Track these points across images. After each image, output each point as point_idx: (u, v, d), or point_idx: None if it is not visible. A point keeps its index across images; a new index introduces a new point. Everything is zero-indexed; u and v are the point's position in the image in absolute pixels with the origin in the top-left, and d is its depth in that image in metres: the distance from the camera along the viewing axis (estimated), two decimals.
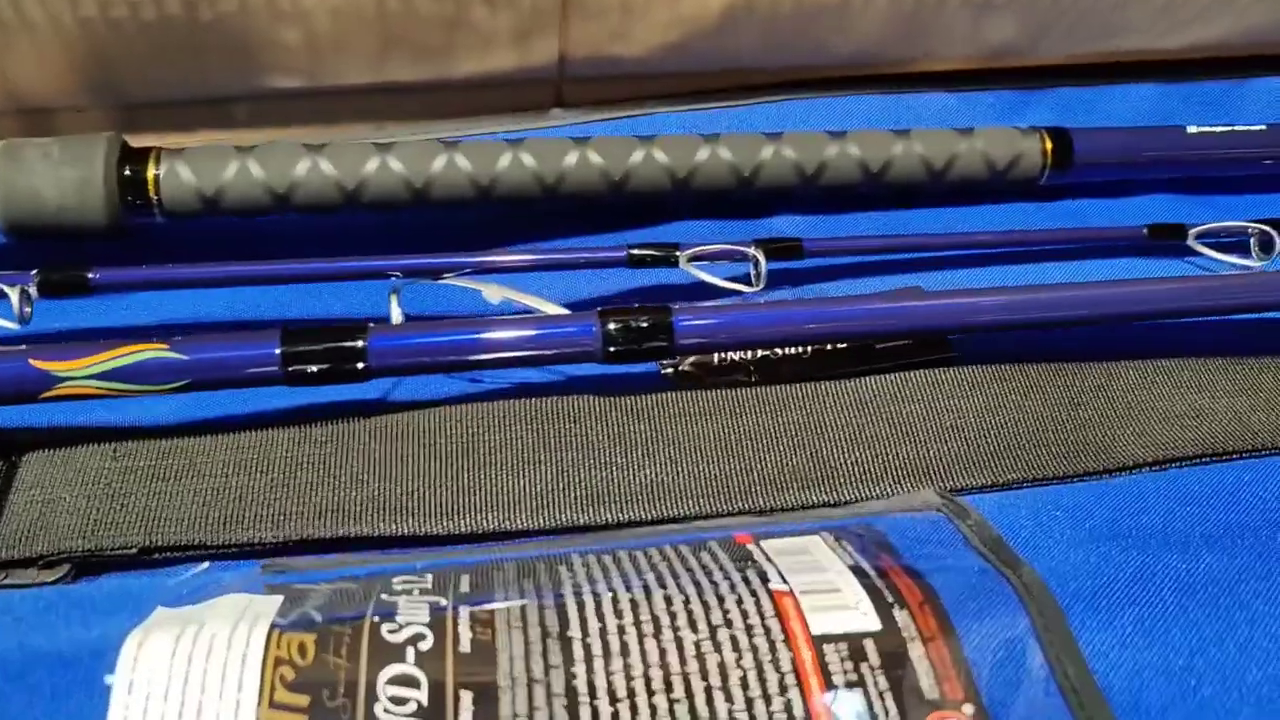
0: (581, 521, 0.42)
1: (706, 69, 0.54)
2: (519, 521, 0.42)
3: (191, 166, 0.48)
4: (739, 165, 0.51)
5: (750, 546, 0.37)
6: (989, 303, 0.45)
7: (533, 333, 0.43)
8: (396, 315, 0.45)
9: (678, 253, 0.48)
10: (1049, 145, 0.54)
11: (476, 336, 0.43)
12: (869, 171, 0.52)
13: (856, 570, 0.35)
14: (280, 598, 0.34)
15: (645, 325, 0.43)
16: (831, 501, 0.43)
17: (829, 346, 0.49)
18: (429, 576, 0.36)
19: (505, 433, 0.44)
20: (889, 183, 0.53)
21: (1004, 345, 0.48)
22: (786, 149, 0.52)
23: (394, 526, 0.41)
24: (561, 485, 0.42)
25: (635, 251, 0.48)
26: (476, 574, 0.36)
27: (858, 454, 0.44)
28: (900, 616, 0.33)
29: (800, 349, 0.48)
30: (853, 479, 0.44)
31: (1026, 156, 0.53)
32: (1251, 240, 0.52)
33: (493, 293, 0.45)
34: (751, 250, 0.48)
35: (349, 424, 0.44)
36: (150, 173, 0.47)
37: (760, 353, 0.49)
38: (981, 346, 0.48)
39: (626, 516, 0.42)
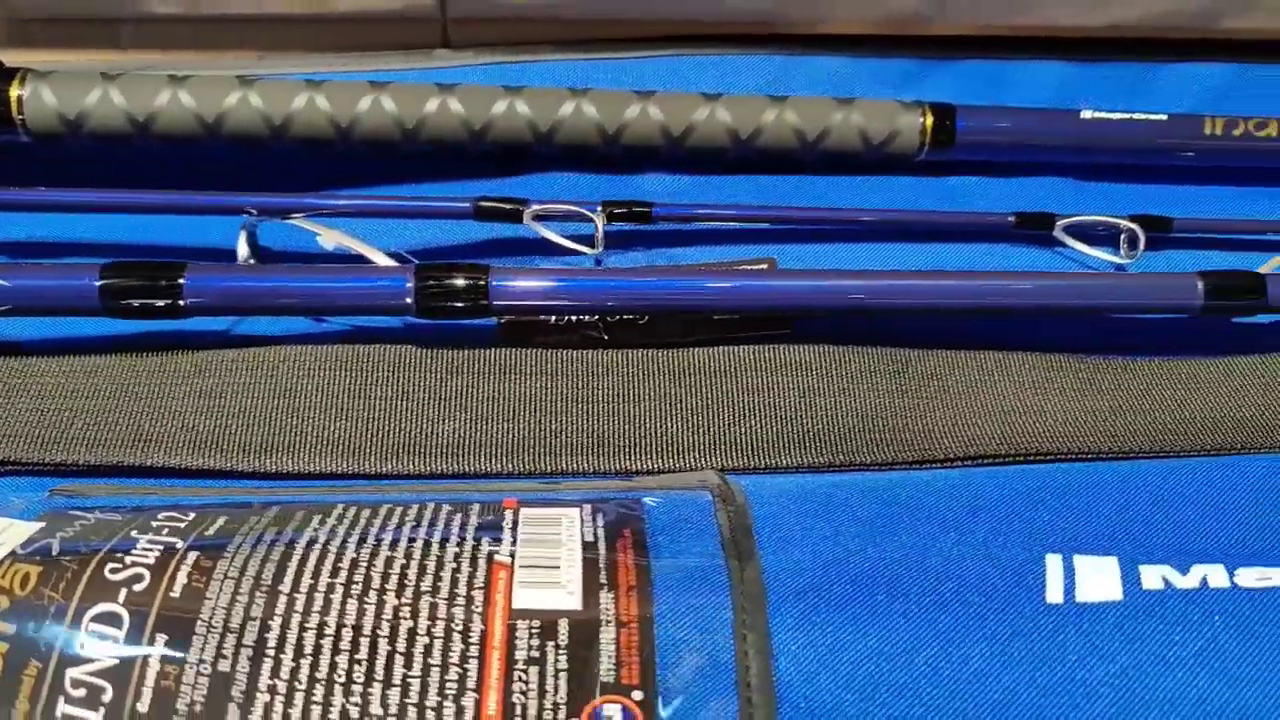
0: (384, 470, 0.45)
1: (596, 16, 0.55)
2: (324, 466, 0.44)
3: (55, 89, 0.50)
4: (603, 123, 0.52)
5: (508, 513, 0.40)
6: (803, 286, 0.47)
7: (346, 283, 0.45)
8: (244, 252, 0.48)
9: (523, 209, 0.50)
10: (929, 121, 0.54)
11: (290, 283, 0.45)
12: (738, 137, 0.53)
13: (588, 546, 0.38)
14: (41, 525, 0.37)
15: (460, 284, 0.45)
16: (630, 471, 0.45)
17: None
18: (190, 515, 0.39)
19: (323, 377, 0.46)
20: (759, 150, 0.53)
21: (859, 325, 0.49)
22: (653, 109, 0.53)
23: (199, 460, 0.44)
24: (368, 433, 0.45)
25: (483, 204, 0.50)
26: (232, 517, 0.39)
27: (669, 425, 0.46)
28: (604, 598, 0.36)
29: (639, 315, 0.50)
30: (658, 450, 0.46)
31: (905, 132, 0.54)
32: (1122, 236, 0.52)
33: (328, 238, 0.48)
34: (592, 212, 0.50)
35: (174, 356, 0.47)
36: (14, 93, 0.50)
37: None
38: (826, 326, 0.49)
39: (426, 469, 0.45)
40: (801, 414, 0.47)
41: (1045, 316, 0.51)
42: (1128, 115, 0.55)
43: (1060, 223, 0.53)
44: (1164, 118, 0.56)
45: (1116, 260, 0.52)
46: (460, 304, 0.46)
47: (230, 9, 0.53)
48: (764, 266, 0.51)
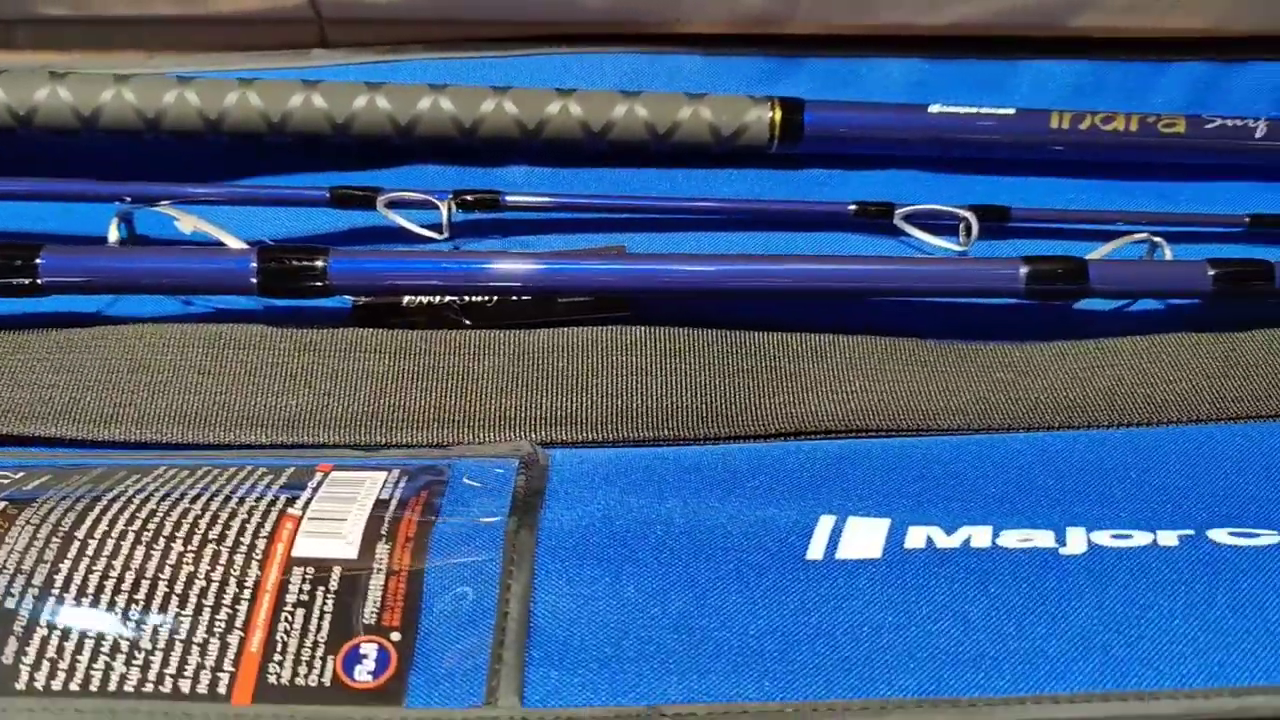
0: (227, 440, 0.48)
1: (464, 17, 0.58)
2: (171, 436, 0.47)
3: None
4: (460, 117, 0.55)
5: (319, 475, 0.42)
6: (637, 270, 0.50)
7: (193, 264, 0.48)
8: (114, 236, 0.51)
9: (376, 196, 0.53)
10: (778, 115, 0.56)
11: (140, 263, 0.48)
12: (591, 131, 0.56)
13: (380, 504, 0.40)
14: None
15: (300, 265, 0.48)
16: (465, 443, 0.48)
17: (513, 297, 0.53)
18: (19, 474, 0.42)
19: (177, 353, 0.49)
20: (612, 143, 0.56)
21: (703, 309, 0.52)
22: (508, 104, 0.55)
23: (52, 429, 0.47)
24: (215, 406, 0.48)
25: (338, 192, 0.53)
26: (57, 475, 0.42)
27: (505, 401, 0.49)
28: (380, 549, 0.38)
29: (486, 297, 0.53)
30: (492, 424, 0.48)
31: (754, 126, 0.56)
32: (960, 225, 0.55)
33: (186, 223, 0.51)
34: (441, 200, 0.52)
35: (40, 334, 0.50)
36: None
37: (467, 297, 0.53)
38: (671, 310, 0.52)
39: (269, 440, 0.48)
40: (633, 391, 0.49)
41: (886, 301, 0.53)
42: (975, 110, 0.58)
43: (899, 212, 0.55)
44: (1011, 112, 0.58)
45: (952, 248, 0.55)
46: (301, 284, 0.48)
47: (114, 10, 0.56)
48: (614, 252, 0.54)
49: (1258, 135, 0.59)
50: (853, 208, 0.55)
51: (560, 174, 0.58)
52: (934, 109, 0.58)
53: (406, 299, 0.53)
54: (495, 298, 0.52)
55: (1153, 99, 0.62)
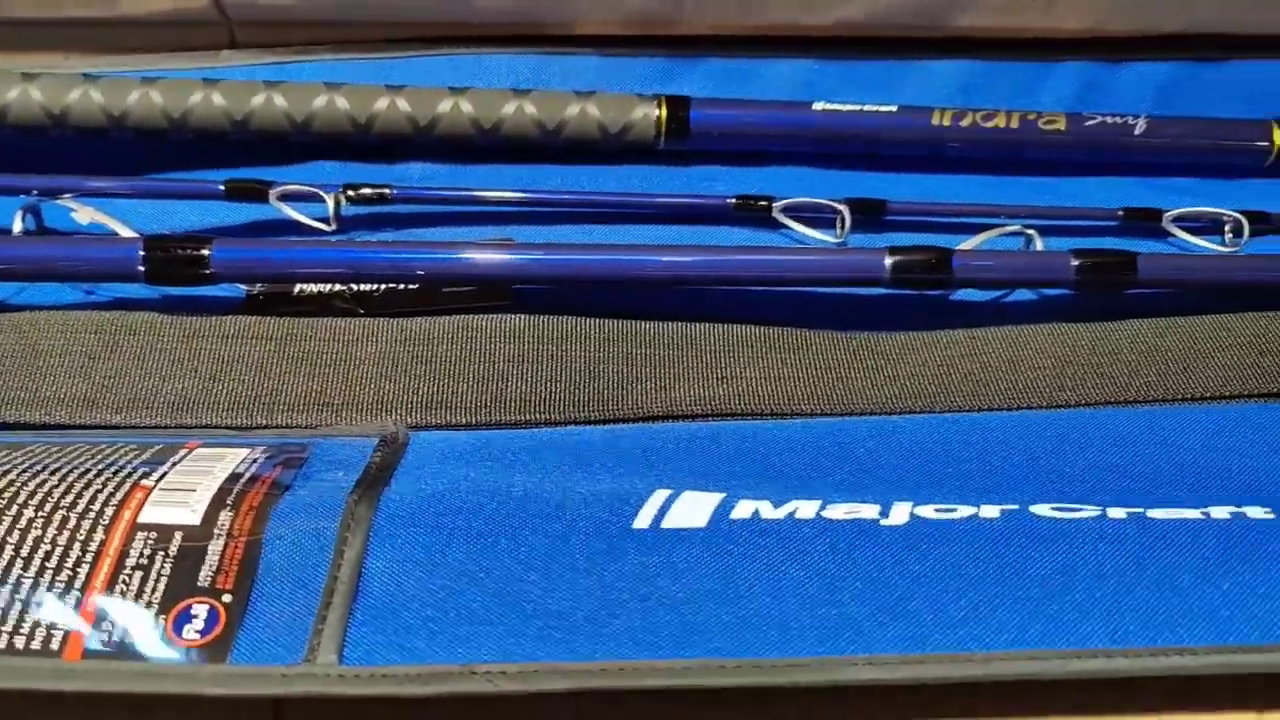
0: (113, 422, 0.50)
1: (365, 19, 0.60)
2: (60, 417, 0.49)
3: None
4: (355, 114, 0.57)
5: (183, 452, 0.44)
6: (514, 260, 0.52)
7: (83, 252, 0.50)
8: (18, 228, 0.53)
9: (269, 189, 0.55)
10: (663, 113, 0.58)
11: (32, 252, 0.50)
12: (482, 128, 0.58)
13: (233, 477, 0.42)
14: None
15: (184, 253, 0.50)
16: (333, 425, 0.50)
17: (401, 286, 0.55)
18: None
19: (70, 338, 0.51)
20: (504, 139, 0.58)
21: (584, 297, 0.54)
22: (401, 101, 0.57)
23: None
24: (103, 389, 0.50)
25: (232, 185, 0.55)
26: None
27: (384, 385, 0.51)
28: (223, 517, 0.40)
29: (374, 287, 0.55)
30: (369, 408, 0.50)
31: (640, 123, 0.58)
32: (837, 218, 0.56)
33: (82, 214, 0.53)
34: (330, 193, 0.54)
35: None
36: None
37: (355, 287, 0.55)
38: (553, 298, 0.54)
39: (154, 422, 0.50)
40: (510, 377, 0.51)
41: (767, 292, 0.55)
42: (858, 107, 0.59)
43: (778, 205, 0.57)
44: (894, 109, 0.60)
45: (828, 240, 0.56)
46: (187, 272, 0.50)
47: (24, 13, 0.58)
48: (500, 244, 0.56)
49: (1137, 132, 0.61)
50: (734, 201, 0.56)
51: (456, 170, 0.60)
52: (817, 106, 0.59)
53: (298, 289, 0.54)
54: (383, 287, 0.54)
55: (1040, 98, 0.64)
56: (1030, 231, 0.57)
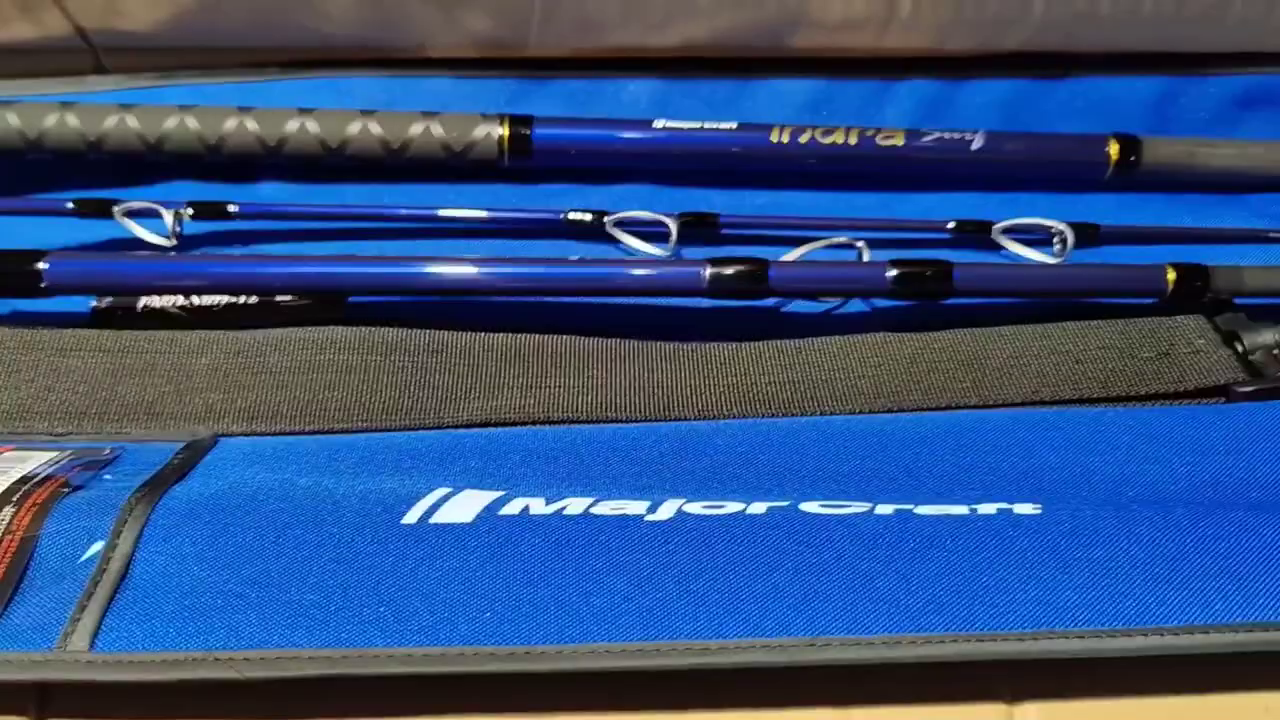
0: None
1: (224, 44, 0.62)
2: None
3: None
4: (205, 135, 0.59)
5: None
6: (341, 271, 0.54)
7: None
8: None
9: (115, 207, 0.57)
10: (506, 131, 0.60)
11: None
12: (329, 147, 0.60)
13: (25, 478, 0.44)
14: None
15: (19, 268, 0.52)
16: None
17: (242, 300, 0.56)
18: None
19: None
20: (350, 158, 0.60)
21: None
22: (250, 122, 0.60)
23: None
24: None
25: (79, 203, 0.57)
26: None
27: (213, 396, 0.52)
28: (4, 512, 0.42)
29: (215, 301, 0.56)
30: (198, 417, 0.52)
31: (483, 142, 0.60)
32: (668, 230, 0.58)
33: None
34: (167, 209, 0.56)
35: None
36: None
37: (197, 301, 0.57)
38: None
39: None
40: (337, 386, 0.53)
41: (600, 304, 0.57)
42: (699, 125, 0.61)
43: (610, 219, 0.58)
44: (733, 126, 0.61)
45: (658, 252, 0.58)
46: (22, 285, 0.52)
47: None
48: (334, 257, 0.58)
49: (974, 147, 0.62)
50: (568, 216, 0.58)
51: (306, 188, 0.62)
52: (658, 124, 0.61)
53: (142, 303, 0.56)
54: (224, 301, 0.56)
55: (883, 115, 0.65)
56: (859, 244, 0.58)
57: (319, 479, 0.45)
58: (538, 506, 0.44)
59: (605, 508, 0.43)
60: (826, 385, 0.54)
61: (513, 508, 0.44)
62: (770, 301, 0.58)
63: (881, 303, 0.59)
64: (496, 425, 0.53)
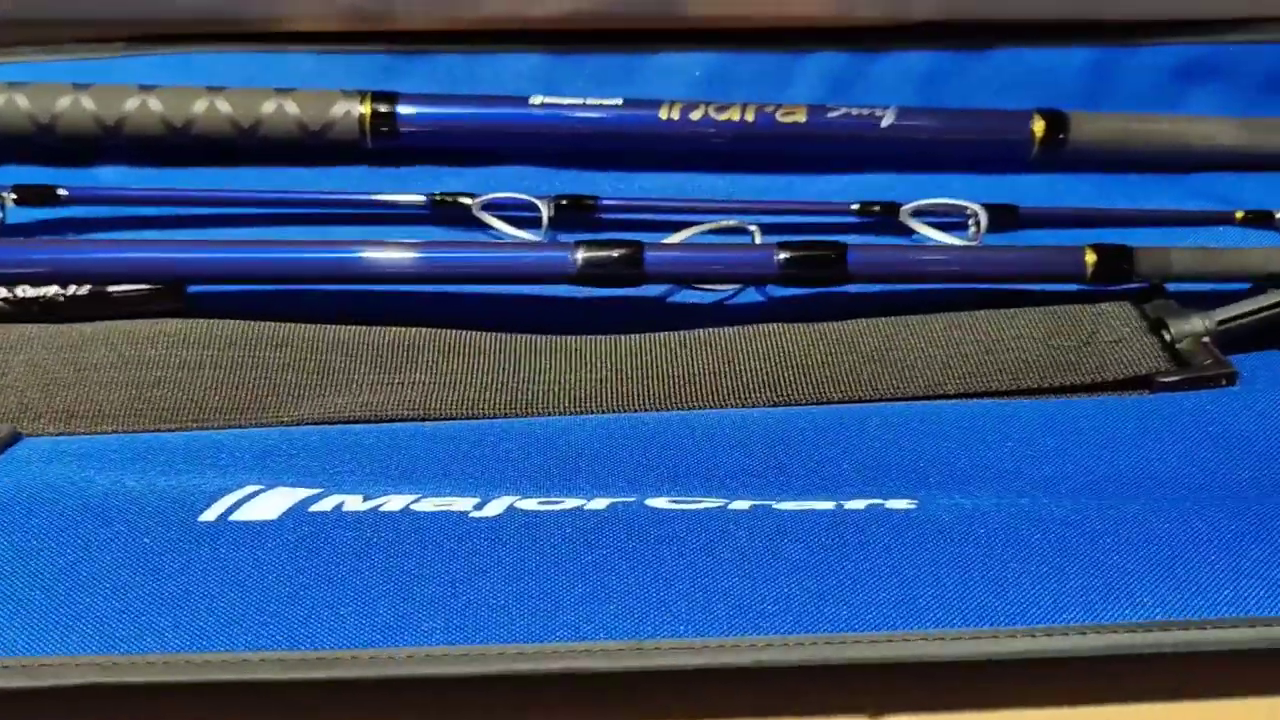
0: None
1: (52, 17, 0.61)
2: None
3: None
4: (35, 114, 0.59)
5: None
6: (183, 256, 0.53)
7: None
8: None
9: None
10: (368, 109, 0.59)
11: None
12: (173, 127, 0.59)
13: None
14: None
15: None
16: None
17: (71, 291, 0.55)
18: None
19: None
20: (197, 138, 0.59)
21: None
22: (86, 100, 0.59)
23: None
24: None
25: None
26: None
27: (27, 394, 0.51)
28: None
29: (39, 292, 0.55)
30: (13, 417, 0.51)
31: (343, 121, 0.59)
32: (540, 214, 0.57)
33: None
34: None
35: None
36: None
37: (20, 292, 0.56)
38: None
39: None
40: (167, 383, 0.52)
41: (472, 293, 0.56)
42: (580, 101, 0.60)
43: (477, 202, 0.57)
44: (618, 102, 0.61)
45: (530, 238, 0.57)
46: None
47: None
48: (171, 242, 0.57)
49: (884, 124, 0.61)
50: (431, 199, 0.57)
51: (150, 172, 0.61)
52: (536, 101, 0.60)
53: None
54: (49, 292, 0.55)
55: (790, 92, 0.64)
56: (751, 228, 0.57)
57: (120, 476, 0.44)
58: (353, 503, 0.42)
59: (428, 504, 0.42)
60: (710, 380, 0.53)
61: (325, 505, 0.42)
62: (655, 291, 0.57)
63: (780, 292, 0.58)
64: (341, 424, 0.52)
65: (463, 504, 0.42)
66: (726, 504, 0.42)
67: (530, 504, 0.42)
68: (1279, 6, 0.64)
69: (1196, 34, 0.65)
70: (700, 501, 0.42)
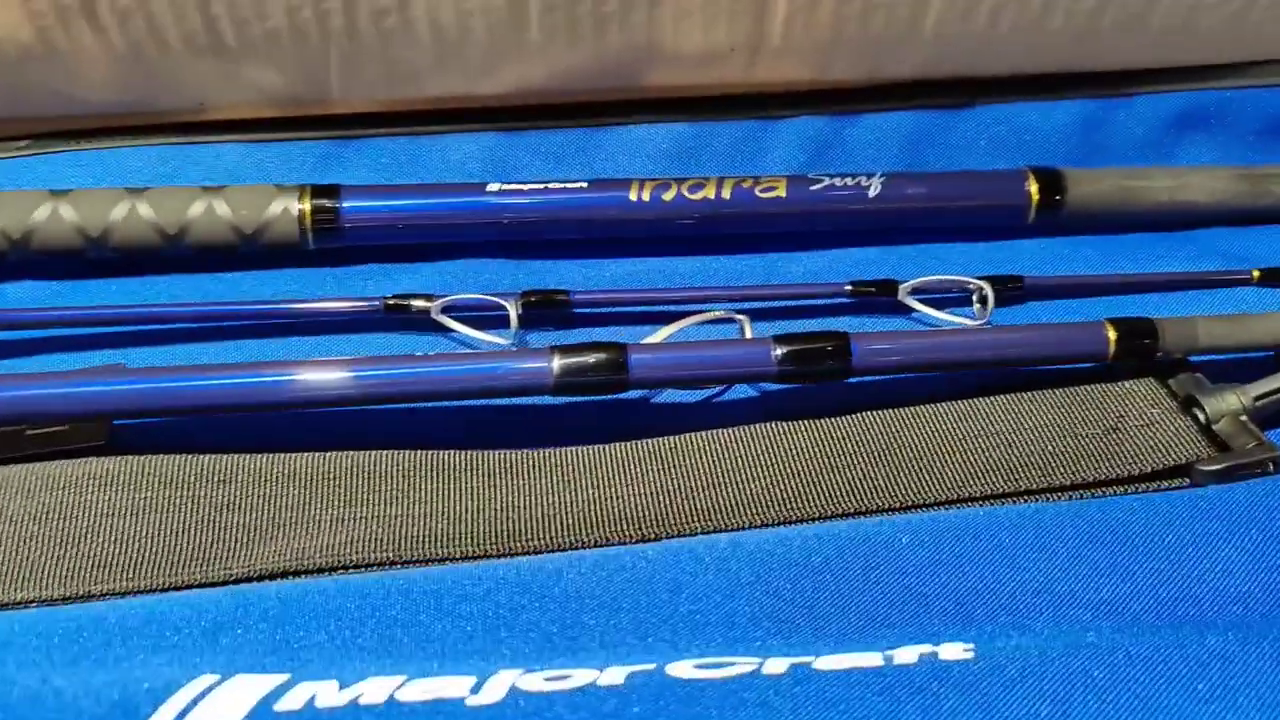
0: None
1: None
2: None
3: None
4: None
5: None
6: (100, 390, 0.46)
7: None
8: None
9: None
10: (308, 206, 0.53)
11: None
12: (89, 236, 0.52)
13: None
14: None
15: None
16: None
17: None
18: None
19: None
20: (117, 249, 0.52)
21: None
22: None
23: None
24: None
25: None
26: None
27: None
28: None
29: None
30: None
31: (281, 220, 0.53)
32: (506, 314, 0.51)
33: None
34: None
35: None
36: None
37: None
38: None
39: None
40: (98, 533, 0.45)
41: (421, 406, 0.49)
42: (542, 185, 0.54)
43: (436, 305, 0.51)
44: (583, 185, 0.55)
45: (500, 341, 0.51)
46: None
47: None
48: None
49: (872, 194, 0.56)
50: (384, 302, 0.51)
51: (65, 286, 0.54)
52: (493, 188, 0.54)
53: None
54: None
55: (765, 161, 0.59)
56: (740, 317, 0.52)
57: (47, 674, 0.37)
58: (328, 695, 0.36)
59: (415, 690, 0.36)
60: (707, 493, 0.47)
61: (294, 699, 0.36)
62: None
63: (754, 386, 0.52)
64: (299, 574, 0.45)
65: (457, 687, 0.36)
66: (760, 665, 0.36)
67: (535, 681, 0.36)
68: (1271, 50, 0.60)
69: (1189, 81, 0.61)
70: (730, 665, 0.36)
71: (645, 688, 0.36)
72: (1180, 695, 0.34)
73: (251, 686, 0.37)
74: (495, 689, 0.36)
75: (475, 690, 0.36)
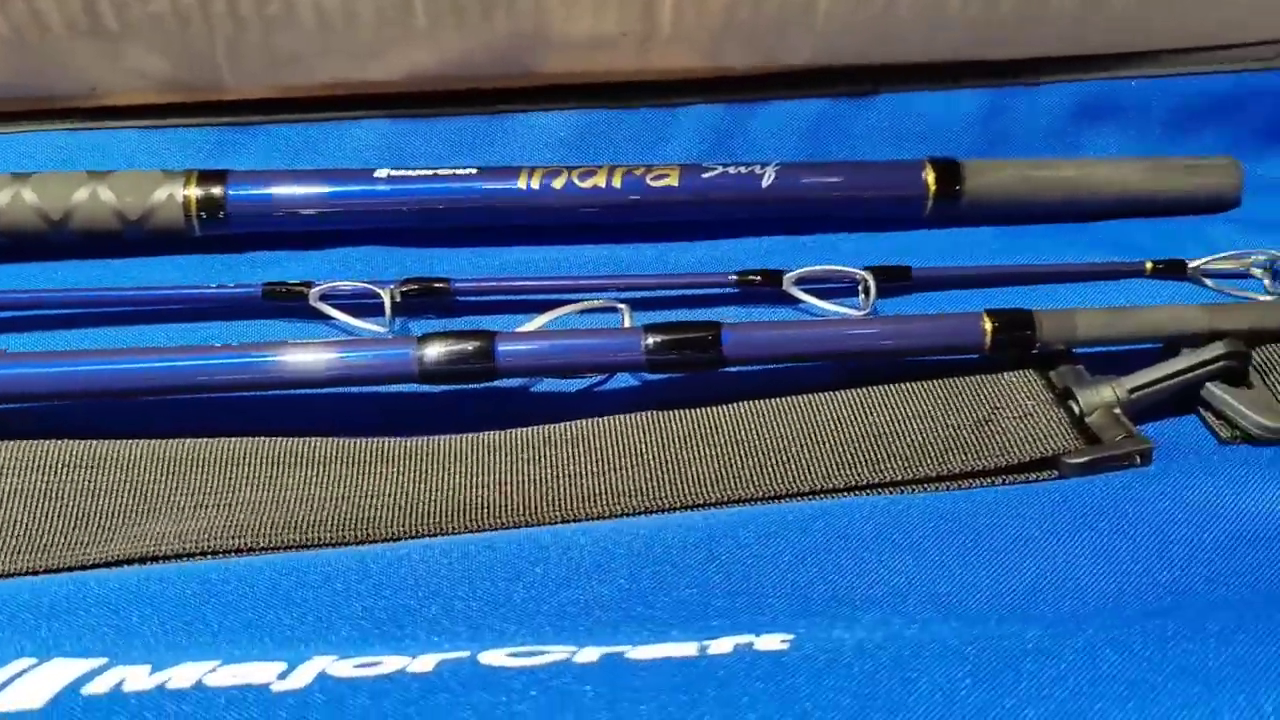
0: None
1: None
2: None
3: None
4: None
5: None
6: None
7: None
8: None
9: None
10: (193, 192, 0.53)
11: None
12: None
13: None
14: None
15: None
16: None
17: None
18: None
19: None
20: (1, 234, 0.52)
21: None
22: None
23: None
24: None
25: None
26: None
27: None
28: None
29: None
30: None
31: (166, 205, 0.53)
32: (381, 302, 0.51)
33: None
34: None
35: None
36: None
37: None
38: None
39: None
40: None
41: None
42: (431, 171, 0.54)
43: (314, 291, 0.51)
44: (473, 171, 0.54)
45: (378, 329, 0.51)
46: None
47: None
48: None
49: (765, 183, 0.55)
50: (264, 288, 0.51)
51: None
52: (381, 174, 0.54)
53: None
54: None
55: (664, 149, 0.59)
56: (620, 306, 0.51)
57: None
58: (136, 679, 0.36)
59: (224, 675, 0.36)
60: (571, 482, 0.47)
61: (102, 683, 0.36)
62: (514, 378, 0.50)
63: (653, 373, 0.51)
64: (155, 560, 0.45)
65: (265, 673, 0.36)
66: (573, 654, 0.36)
67: (344, 668, 0.36)
68: (1178, 38, 0.59)
69: (1093, 70, 0.60)
70: (543, 654, 0.36)
71: (453, 675, 0.35)
72: (985, 689, 0.34)
73: (65, 670, 0.37)
74: (303, 675, 0.36)
75: (283, 676, 0.36)
